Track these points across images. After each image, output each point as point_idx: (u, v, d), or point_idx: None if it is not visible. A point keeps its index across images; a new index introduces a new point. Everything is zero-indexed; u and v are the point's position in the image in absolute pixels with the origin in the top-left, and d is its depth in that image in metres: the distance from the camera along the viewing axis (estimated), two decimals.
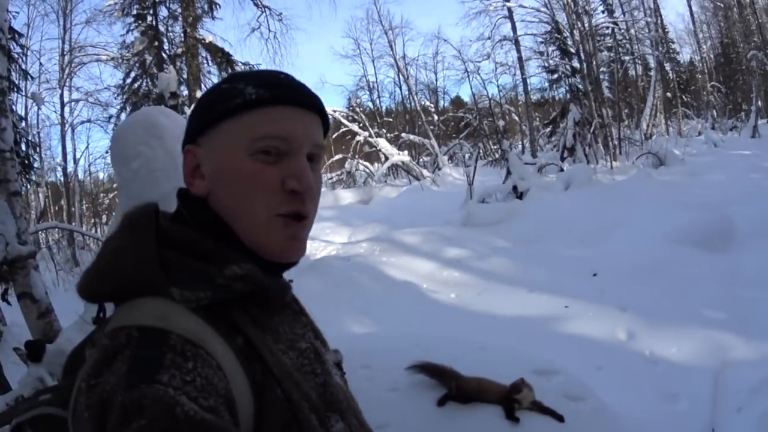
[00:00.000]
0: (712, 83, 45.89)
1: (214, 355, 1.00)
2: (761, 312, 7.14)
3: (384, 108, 53.12)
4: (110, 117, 26.33)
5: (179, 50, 22.46)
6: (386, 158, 28.67)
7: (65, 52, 27.85)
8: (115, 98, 25.96)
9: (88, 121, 29.09)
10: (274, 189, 1.14)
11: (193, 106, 1.27)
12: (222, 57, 22.87)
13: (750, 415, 5.09)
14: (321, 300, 8.64)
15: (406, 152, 30.21)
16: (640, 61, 45.02)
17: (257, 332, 1.09)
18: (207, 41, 21.98)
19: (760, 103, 38.92)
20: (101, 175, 36.58)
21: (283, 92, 1.19)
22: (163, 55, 23.19)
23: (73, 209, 28.27)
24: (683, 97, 46.29)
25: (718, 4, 50.05)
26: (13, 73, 18.98)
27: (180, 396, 0.90)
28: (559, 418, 3.23)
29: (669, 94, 41.83)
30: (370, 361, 3.81)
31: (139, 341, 0.97)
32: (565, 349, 6.29)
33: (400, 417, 3.28)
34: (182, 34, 21.58)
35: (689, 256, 9.15)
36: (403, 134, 37.54)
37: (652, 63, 39.77)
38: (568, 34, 30.68)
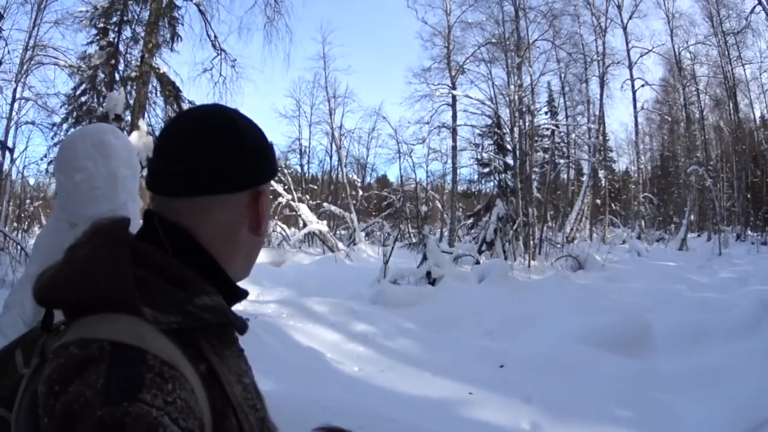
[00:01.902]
0: (644, 194, 47.24)
1: (187, 377, 1.00)
2: (675, 414, 7.25)
3: (311, 174, 53.47)
4: (53, 125, 25.86)
5: (133, 74, 22.17)
6: (305, 224, 28.74)
7: (29, 47, 27.24)
8: (61, 107, 25.70)
9: (32, 123, 28.35)
10: None
11: (237, 147, 1.25)
12: (171, 90, 22.67)
13: None
14: None
15: (325, 222, 30.33)
16: (574, 166, 46.21)
17: (217, 361, 1.11)
18: (161, 71, 21.75)
19: (693, 217, 40.18)
20: (31, 181, 35.41)
21: None
22: (117, 75, 22.98)
23: (0, 208, 27.14)
24: (612, 204, 47.62)
25: (666, 117, 51.78)
26: None
27: (163, 417, 0.90)
28: None
29: (598, 201, 42.87)
30: (277, 420, 3.66)
31: (113, 356, 0.96)
32: None
33: None
34: (139, 59, 21.34)
35: (602, 357, 9.23)
36: (325, 204, 37.73)
37: (586, 169, 40.77)
38: (507, 130, 31.29)
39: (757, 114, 48.49)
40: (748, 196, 46.13)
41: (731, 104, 46.67)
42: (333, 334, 10.39)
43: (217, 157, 1.21)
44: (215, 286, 1.17)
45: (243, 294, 1.29)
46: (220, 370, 1.10)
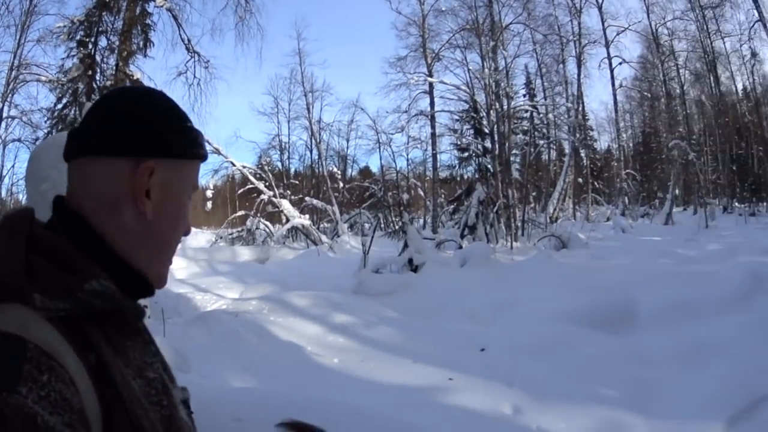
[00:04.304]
0: (627, 171, 47.42)
1: (67, 368, 0.94)
2: (662, 392, 7.16)
3: (293, 170, 53.53)
4: (36, 139, 26.31)
5: (108, 83, 22.13)
6: (287, 220, 28.69)
7: (14, 67, 27.46)
8: (45, 122, 25.86)
9: (19, 140, 28.69)
10: None
11: (141, 112, 1.21)
12: None
13: None
14: (206, 352, 8.51)
15: (307, 216, 30.41)
16: (555, 146, 46.38)
17: (110, 352, 1.04)
18: (135, 78, 21.71)
19: (677, 191, 40.31)
20: (21, 197, 35.75)
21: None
22: (94, 85, 22.92)
23: None
24: (595, 183, 47.81)
25: (646, 94, 51.97)
26: None
27: (39, 409, 0.86)
28: None
29: (581, 180, 43.00)
30: (243, 415, 3.67)
31: None
32: (447, 420, 6.15)
33: None
34: (114, 67, 21.26)
35: (586, 336, 9.16)
36: (307, 198, 37.67)
37: (567, 148, 40.86)
38: (484, 114, 31.31)
39: (739, 86, 48.98)
40: (734, 168, 46.58)
41: (712, 78, 47.13)
42: (313, 327, 10.33)
43: (107, 117, 1.18)
44: (107, 271, 1.09)
45: (145, 282, 1.20)
46: (111, 362, 1.03)
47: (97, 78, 23.34)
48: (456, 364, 8.26)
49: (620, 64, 46.53)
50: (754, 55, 42.82)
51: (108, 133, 1.16)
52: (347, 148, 54.48)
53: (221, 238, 30.16)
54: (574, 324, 9.68)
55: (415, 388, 7.43)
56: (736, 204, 43.35)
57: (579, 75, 43.02)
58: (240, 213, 33.19)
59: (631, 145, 61.47)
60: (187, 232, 1.29)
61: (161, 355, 1.26)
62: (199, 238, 32.92)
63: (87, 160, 1.16)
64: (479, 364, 8.37)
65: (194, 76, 23.64)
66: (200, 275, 17.58)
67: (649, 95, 52.87)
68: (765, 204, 40.12)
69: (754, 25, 34.27)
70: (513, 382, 7.55)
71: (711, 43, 45.77)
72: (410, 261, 15.38)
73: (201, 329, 9.55)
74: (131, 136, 1.17)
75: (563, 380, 7.58)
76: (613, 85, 46.99)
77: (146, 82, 22.54)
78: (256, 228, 30.14)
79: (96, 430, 0.96)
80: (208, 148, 1.41)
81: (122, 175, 1.16)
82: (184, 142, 1.24)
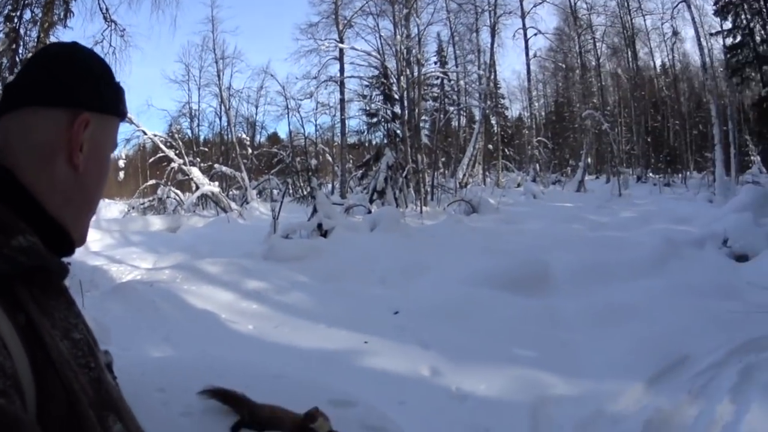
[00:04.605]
0: (538, 138, 48.02)
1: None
2: (578, 352, 7.35)
3: (202, 137, 52.77)
4: None
5: (29, 55, 21.42)
6: (197, 187, 28.38)
7: None
8: None
9: None
10: None
11: (77, 65, 1.23)
12: None
13: None
14: (123, 323, 8.39)
15: (217, 183, 30.06)
16: (465, 113, 46.62)
17: (38, 312, 1.00)
18: None
19: (590, 160, 41.00)
20: None
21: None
22: (17, 59, 22.20)
23: None
24: (506, 149, 48.32)
25: (560, 65, 52.60)
26: None
27: None
28: None
29: (491, 146, 43.35)
30: (165, 384, 3.66)
31: None
32: (364, 383, 6.09)
33: None
34: (36, 39, 20.61)
35: (500, 298, 9.28)
36: (216, 165, 37.20)
37: (477, 115, 41.12)
38: (394, 80, 31.30)
39: (658, 62, 50.00)
40: (648, 139, 47.59)
41: (630, 53, 48.14)
42: (227, 294, 10.32)
43: (46, 70, 1.19)
44: (33, 227, 1.07)
45: (69, 240, 1.18)
46: (40, 322, 0.99)
47: (20, 51, 22.71)
48: (370, 328, 8.35)
49: (535, 35, 47.37)
50: (675, 33, 43.76)
51: (47, 84, 1.17)
52: (256, 114, 53.92)
53: (133, 208, 29.57)
54: (488, 287, 9.82)
55: (331, 352, 7.49)
56: (651, 174, 44.45)
57: (492, 44, 43.41)
58: (151, 182, 32.59)
59: (543, 113, 62.41)
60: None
61: (83, 317, 1.20)
62: (112, 209, 32.36)
63: (24, 111, 1.16)
64: (393, 327, 8.48)
65: (110, 45, 23.09)
66: (114, 246, 17.27)
67: (563, 66, 53.69)
68: (680, 175, 41.19)
69: (678, 5, 35.02)
70: (429, 344, 7.67)
71: (631, 20, 46.80)
72: (320, 226, 15.39)
73: (118, 301, 9.41)
74: (70, 87, 1.18)
75: (479, 342, 7.70)
76: (527, 55, 47.73)
77: None
78: (167, 197, 29.67)
79: (29, 395, 0.92)
80: None
81: (59, 126, 1.16)
82: (114, 98, 1.27)
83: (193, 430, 3.26)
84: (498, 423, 5.70)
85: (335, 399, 3.73)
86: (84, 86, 1.20)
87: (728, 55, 29.15)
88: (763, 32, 26.46)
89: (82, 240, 1.23)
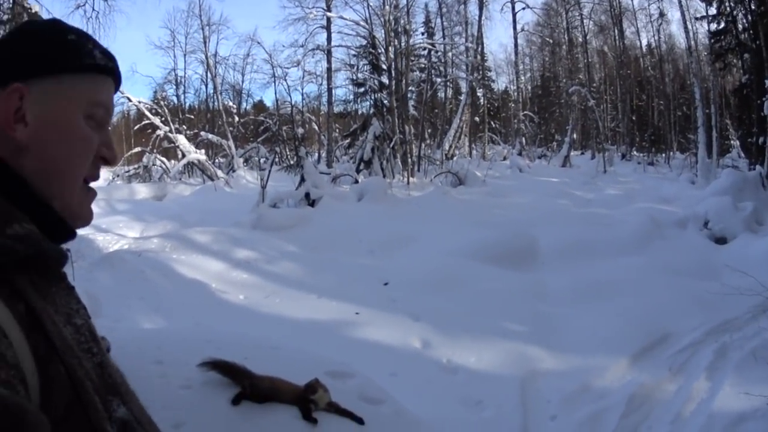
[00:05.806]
0: (525, 112, 47.88)
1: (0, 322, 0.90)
2: (565, 327, 7.51)
3: (188, 104, 52.31)
4: None
5: (5, 17, 21.11)
6: (183, 155, 28.23)
7: None
8: None
9: None
10: (92, 155, 1.15)
11: (13, 37, 1.15)
12: None
13: (566, 423, 5.30)
14: (113, 294, 8.45)
15: (203, 151, 29.94)
16: (451, 85, 46.40)
17: (38, 300, 0.99)
18: (33, 11, 20.72)
19: (575, 135, 41.01)
20: None
21: (116, 66, 1.23)
22: None
23: None
24: (492, 122, 48.17)
25: (547, 40, 52.45)
26: None
27: None
28: (359, 421, 3.18)
29: (477, 119, 43.22)
30: (162, 357, 3.68)
31: None
32: (356, 354, 6.07)
33: (196, 416, 3.17)
34: (12, 1, 20.27)
35: (488, 271, 9.44)
36: (202, 133, 36.95)
37: (464, 87, 40.96)
38: (382, 50, 31.14)
39: (644, 42, 49.96)
40: (633, 118, 47.57)
41: (616, 31, 47.88)
42: (217, 264, 10.38)
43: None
44: (30, 215, 1.04)
45: (63, 224, 1.13)
46: (42, 309, 0.98)
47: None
48: (361, 299, 8.47)
49: (523, 9, 47.05)
50: (662, 15, 43.79)
51: None
52: (242, 82, 53.45)
53: (118, 176, 29.27)
54: (476, 259, 9.96)
55: (323, 323, 7.60)
56: (635, 153, 44.51)
57: (480, 17, 43.07)
58: (136, 150, 32.28)
59: (529, 87, 62.23)
60: (108, 161, 1.20)
61: (83, 303, 1.18)
62: None
63: None
64: (384, 299, 8.59)
65: (92, 9, 22.76)
66: (100, 215, 17.10)
67: (550, 41, 53.53)
68: (663, 155, 41.24)
69: None
70: (419, 316, 7.78)
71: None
72: (307, 195, 15.45)
73: (106, 271, 9.44)
74: (7, 61, 1.11)
75: (469, 314, 7.83)
76: (514, 28, 47.48)
77: (44, 15, 21.61)
78: (153, 165, 29.43)
79: (32, 384, 0.91)
80: None
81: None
82: (63, 55, 1.14)
83: (194, 403, 3.28)
84: (489, 395, 5.84)
85: (333, 371, 3.80)
86: (8, 55, 1.12)
87: (712, 41, 29.15)
88: (745, 21, 26.48)
89: (82, 218, 1.17)
